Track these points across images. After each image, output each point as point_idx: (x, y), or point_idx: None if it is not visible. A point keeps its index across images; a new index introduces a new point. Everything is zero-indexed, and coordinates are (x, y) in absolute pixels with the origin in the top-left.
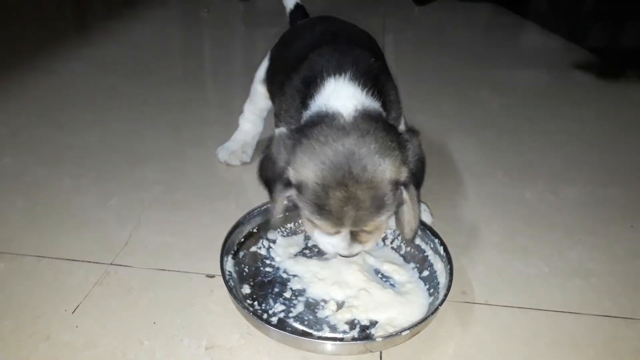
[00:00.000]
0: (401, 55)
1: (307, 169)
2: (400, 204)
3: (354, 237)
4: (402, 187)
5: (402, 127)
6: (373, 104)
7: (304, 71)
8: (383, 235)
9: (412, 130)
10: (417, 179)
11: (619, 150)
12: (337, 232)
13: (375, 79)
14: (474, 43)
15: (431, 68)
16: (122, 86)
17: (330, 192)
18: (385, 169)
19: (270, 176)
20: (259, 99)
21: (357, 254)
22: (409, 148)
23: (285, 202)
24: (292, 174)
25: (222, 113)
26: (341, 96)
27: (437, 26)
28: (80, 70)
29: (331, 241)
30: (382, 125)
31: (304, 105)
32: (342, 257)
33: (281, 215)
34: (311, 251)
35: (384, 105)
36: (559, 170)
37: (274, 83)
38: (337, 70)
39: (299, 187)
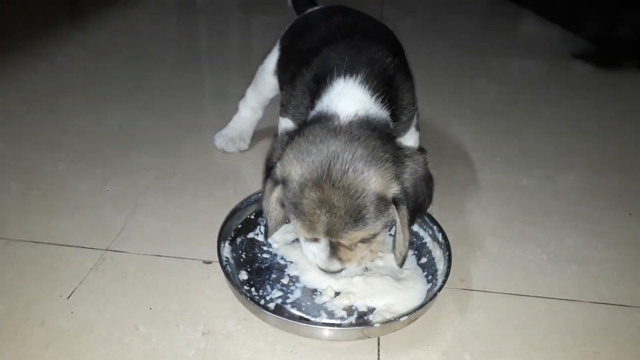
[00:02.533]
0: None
1: (290, 165)
2: (388, 224)
3: (334, 251)
4: (394, 206)
5: (412, 129)
6: (380, 112)
7: (316, 67)
8: (367, 261)
9: (420, 149)
10: (415, 199)
11: (617, 139)
12: (316, 240)
13: (389, 81)
14: (471, 31)
15: (429, 56)
16: (117, 72)
17: (306, 191)
18: (369, 178)
19: (264, 172)
20: (266, 90)
21: (337, 272)
22: (406, 164)
23: (275, 204)
24: (278, 170)
25: (217, 99)
26: (346, 99)
27: (435, 14)
28: (75, 55)
29: (312, 249)
30: (379, 134)
31: (313, 103)
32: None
33: (275, 220)
34: None
35: (394, 111)
36: (557, 158)
37: (285, 72)
38: (349, 70)
39: (284, 184)
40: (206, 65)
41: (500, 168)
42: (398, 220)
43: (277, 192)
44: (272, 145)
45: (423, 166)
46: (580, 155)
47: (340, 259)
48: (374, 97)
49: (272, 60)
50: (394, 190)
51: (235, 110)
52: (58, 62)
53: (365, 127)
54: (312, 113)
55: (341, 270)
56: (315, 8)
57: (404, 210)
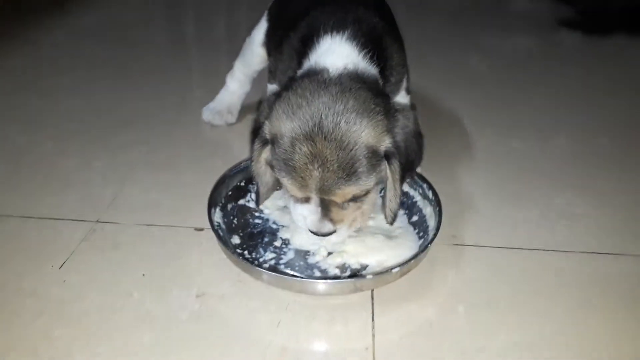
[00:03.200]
0: None
1: (279, 120)
2: (380, 181)
3: (326, 211)
4: (385, 161)
5: (402, 93)
6: (368, 68)
7: (303, 29)
8: (358, 224)
9: (411, 106)
10: (406, 155)
11: (607, 103)
12: (307, 200)
13: (377, 40)
14: (461, 6)
15: (419, 31)
16: (103, 53)
17: (297, 145)
18: (362, 130)
19: (252, 132)
20: (254, 61)
21: (328, 234)
22: (397, 118)
23: (265, 166)
24: (267, 128)
25: (204, 76)
26: (334, 54)
27: None
28: (61, 39)
29: (302, 211)
30: (369, 87)
31: (300, 65)
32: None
33: (266, 185)
34: None
35: (383, 70)
36: (547, 122)
37: (272, 41)
38: (336, 28)
39: (273, 142)
40: (193, 44)
41: (492, 134)
42: (389, 175)
43: (267, 152)
44: (260, 107)
45: (414, 121)
46: (571, 119)
47: (331, 220)
48: (362, 53)
49: (260, 31)
50: (386, 143)
51: (222, 85)
52: (44, 45)
53: (355, 79)
54: (300, 72)
55: (332, 232)
56: None
57: (395, 165)
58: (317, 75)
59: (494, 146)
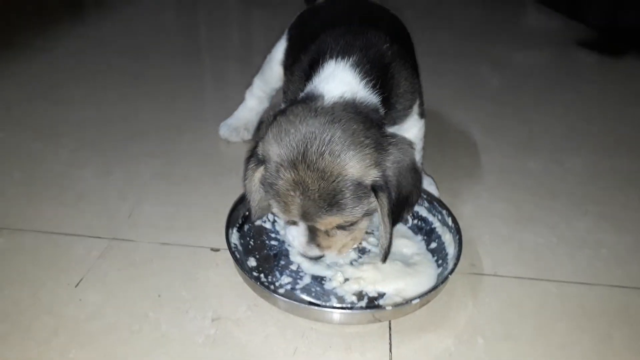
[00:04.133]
0: None
1: (269, 144)
2: (369, 213)
3: (313, 236)
4: (373, 194)
5: (414, 117)
6: (368, 96)
7: (312, 52)
8: (349, 249)
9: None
10: (397, 189)
11: (623, 122)
12: (293, 223)
13: (384, 67)
14: (474, 20)
15: (432, 44)
16: (118, 63)
17: (281, 171)
18: (345, 163)
19: (248, 151)
20: (273, 79)
21: (317, 258)
22: (390, 152)
23: (257, 185)
24: (260, 149)
25: (218, 88)
26: (334, 81)
27: (437, 3)
28: (75, 48)
29: (292, 232)
30: (362, 118)
31: (304, 87)
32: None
33: (258, 203)
34: None
35: (388, 98)
36: (563, 141)
37: (288, 60)
38: (341, 53)
39: (265, 163)
40: (207, 56)
41: (507, 152)
42: (378, 209)
43: (260, 172)
44: (259, 125)
45: (409, 155)
46: (587, 139)
47: (319, 245)
48: (364, 81)
49: (279, 49)
50: (372, 176)
51: (238, 99)
52: (59, 54)
53: (349, 109)
54: (301, 94)
55: (321, 256)
56: None
57: (383, 198)
58: (311, 102)
59: (510, 166)
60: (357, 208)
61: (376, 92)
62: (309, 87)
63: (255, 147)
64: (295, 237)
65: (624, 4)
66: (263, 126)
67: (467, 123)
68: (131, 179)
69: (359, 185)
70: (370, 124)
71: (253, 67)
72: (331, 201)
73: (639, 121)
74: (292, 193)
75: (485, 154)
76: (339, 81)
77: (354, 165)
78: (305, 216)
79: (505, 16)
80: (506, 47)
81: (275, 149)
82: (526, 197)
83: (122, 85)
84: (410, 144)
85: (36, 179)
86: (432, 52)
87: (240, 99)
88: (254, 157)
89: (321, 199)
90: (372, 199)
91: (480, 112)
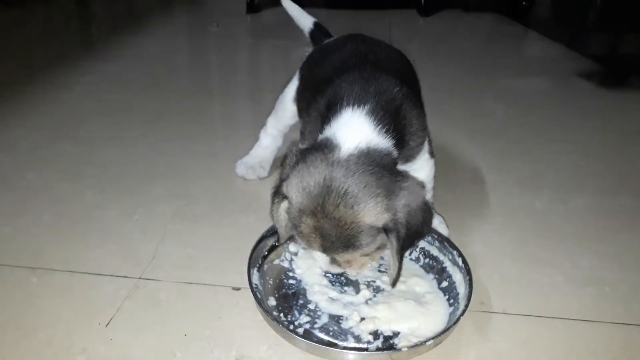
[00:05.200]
0: None
1: (292, 189)
2: (384, 245)
3: (334, 260)
4: (386, 233)
5: (426, 156)
6: (382, 142)
7: (328, 96)
8: (367, 266)
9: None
10: (407, 228)
11: (626, 159)
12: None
13: (396, 111)
14: (478, 53)
15: (437, 78)
16: (136, 100)
17: (303, 217)
18: (358, 213)
19: (274, 187)
20: (286, 117)
21: (338, 274)
22: (401, 197)
23: (284, 214)
24: (285, 188)
25: (231, 126)
26: (350, 130)
27: (441, 36)
28: (93, 84)
29: (317, 254)
30: (375, 169)
31: (322, 129)
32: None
33: (285, 228)
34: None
35: (400, 139)
36: (567, 180)
37: (302, 101)
38: (357, 101)
39: (288, 200)
40: (219, 93)
41: (513, 191)
42: (389, 247)
43: (285, 204)
44: (283, 161)
45: (420, 196)
46: (590, 177)
47: (339, 265)
48: (378, 128)
49: (292, 88)
50: (383, 220)
51: (250, 137)
52: (78, 91)
53: (363, 161)
54: (321, 137)
55: (342, 273)
56: (331, 39)
57: (393, 239)
58: (329, 153)
59: (516, 206)
60: (371, 245)
61: (389, 136)
62: (327, 132)
63: (279, 185)
64: (319, 257)
65: (623, 35)
66: (286, 165)
67: (474, 159)
68: (154, 219)
69: (371, 228)
70: (381, 174)
71: (262, 103)
72: (347, 243)
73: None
74: (313, 235)
75: (493, 193)
76: (355, 130)
77: (366, 214)
78: (326, 252)
79: (507, 49)
80: (510, 79)
81: (298, 197)
82: (532, 236)
83: (141, 123)
84: (420, 184)
85: (64, 219)
86: (437, 89)
87: (254, 138)
88: (278, 193)
89: (339, 241)
90: (384, 235)
91: (486, 148)
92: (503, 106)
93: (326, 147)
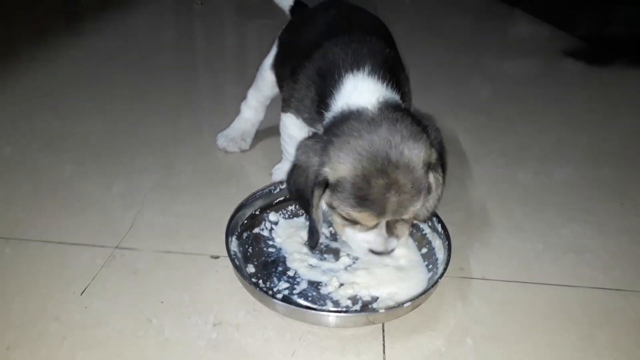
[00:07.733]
0: None
1: (344, 164)
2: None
3: (390, 230)
4: (430, 170)
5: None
6: (393, 96)
7: (319, 61)
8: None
9: (427, 117)
10: (442, 160)
11: (609, 133)
12: (375, 226)
13: (392, 70)
14: (465, 32)
15: (423, 56)
16: (119, 75)
17: (373, 181)
18: (420, 152)
19: (303, 184)
20: (265, 87)
21: (391, 251)
22: (430, 132)
23: (325, 207)
24: (330, 173)
25: (215, 100)
26: (363, 92)
27: (428, 15)
28: (75, 58)
29: (366, 238)
30: (406, 113)
31: (323, 103)
32: (375, 256)
33: (322, 230)
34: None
35: (402, 96)
36: (550, 152)
37: (284, 67)
38: (355, 64)
39: (337, 185)
40: (204, 68)
41: (496, 163)
42: (433, 182)
43: (326, 197)
44: (300, 158)
45: (438, 131)
46: (574, 149)
47: (396, 236)
48: (385, 85)
49: (270, 56)
50: (434, 156)
51: (235, 111)
52: (59, 65)
53: (392, 112)
54: (331, 115)
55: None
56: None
57: (441, 172)
58: (360, 116)
59: (500, 176)
60: (427, 186)
61: (394, 91)
62: (337, 107)
63: (316, 176)
64: (370, 240)
65: (612, 14)
66: (310, 154)
67: (459, 134)
68: (134, 189)
69: (428, 165)
70: (411, 115)
71: (247, 79)
72: (419, 187)
73: (623, 131)
74: (387, 195)
75: (477, 165)
76: (367, 91)
77: (423, 152)
78: (398, 211)
79: (495, 27)
80: (496, 57)
81: (357, 165)
82: (514, 206)
83: (124, 97)
84: (429, 119)
85: (42, 190)
86: (424, 63)
87: (236, 111)
88: (318, 185)
89: (413, 188)
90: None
91: (471, 123)
92: (489, 83)
93: (351, 115)
